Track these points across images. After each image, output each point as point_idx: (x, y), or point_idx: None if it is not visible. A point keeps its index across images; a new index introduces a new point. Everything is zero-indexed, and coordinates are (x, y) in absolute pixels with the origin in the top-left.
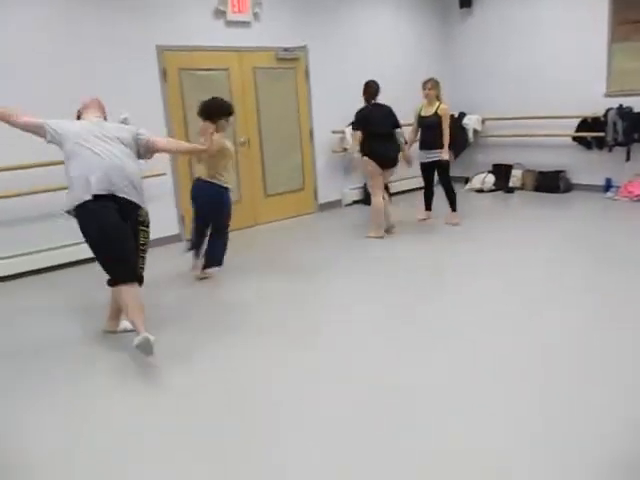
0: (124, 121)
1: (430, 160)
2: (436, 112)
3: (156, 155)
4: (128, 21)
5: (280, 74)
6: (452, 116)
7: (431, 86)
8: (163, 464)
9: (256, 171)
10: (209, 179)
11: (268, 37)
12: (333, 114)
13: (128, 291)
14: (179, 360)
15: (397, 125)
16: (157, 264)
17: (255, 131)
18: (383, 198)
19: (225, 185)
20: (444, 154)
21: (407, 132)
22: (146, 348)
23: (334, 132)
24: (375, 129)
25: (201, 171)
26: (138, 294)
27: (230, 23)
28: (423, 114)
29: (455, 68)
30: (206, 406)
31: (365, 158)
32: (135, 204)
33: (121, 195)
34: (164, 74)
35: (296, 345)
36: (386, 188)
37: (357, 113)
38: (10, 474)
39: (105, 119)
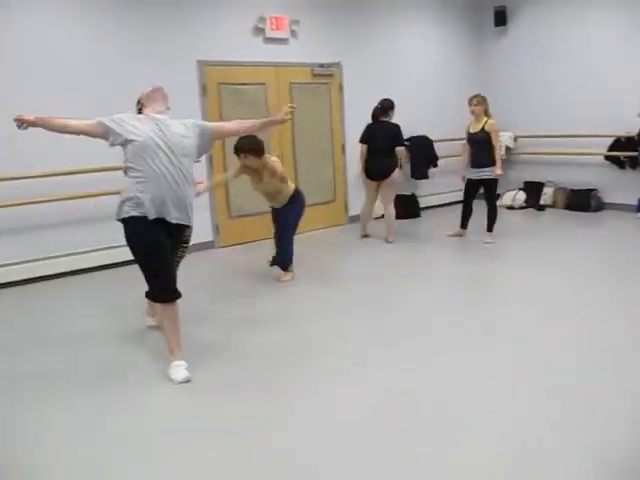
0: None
1: (478, 177)
2: (483, 128)
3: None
4: (171, 37)
5: (315, 89)
6: None
7: (477, 102)
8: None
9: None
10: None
11: (304, 53)
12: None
13: (165, 310)
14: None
15: (397, 144)
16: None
17: (289, 145)
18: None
19: (292, 193)
20: (496, 170)
21: (442, 149)
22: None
23: None
24: (373, 145)
25: (272, 202)
26: (175, 315)
27: (268, 40)
28: (471, 131)
29: (488, 85)
30: (232, 404)
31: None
32: (184, 225)
33: (174, 222)
34: (204, 88)
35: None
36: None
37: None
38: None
39: (168, 108)
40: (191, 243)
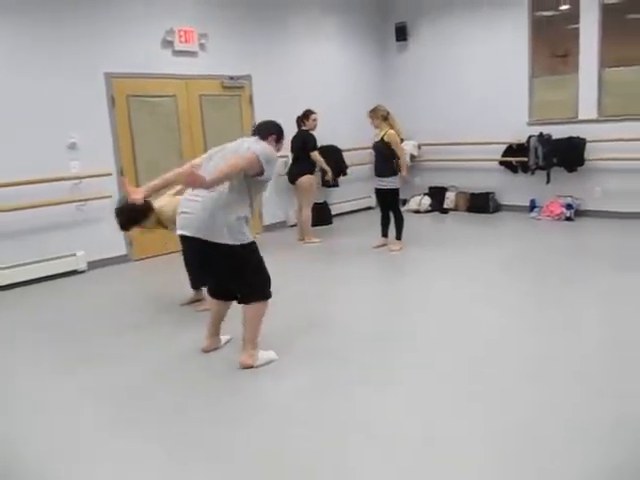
0: (72, 146)
1: (378, 187)
2: (382, 138)
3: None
4: (77, 50)
5: (225, 101)
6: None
7: (370, 115)
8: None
9: None
10: None
11: (214, 66)
12: None
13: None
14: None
15: (308, 149)
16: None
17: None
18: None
19: None
20: (402, 173)
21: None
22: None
23: (278, 157)
24: (293, 152)
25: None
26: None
27: (177, 52)
28: (375, 140)
29: (393, 96)
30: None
31: None
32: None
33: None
34: (113, 101)
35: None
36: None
37: None
38: None
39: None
40: (102, 257)
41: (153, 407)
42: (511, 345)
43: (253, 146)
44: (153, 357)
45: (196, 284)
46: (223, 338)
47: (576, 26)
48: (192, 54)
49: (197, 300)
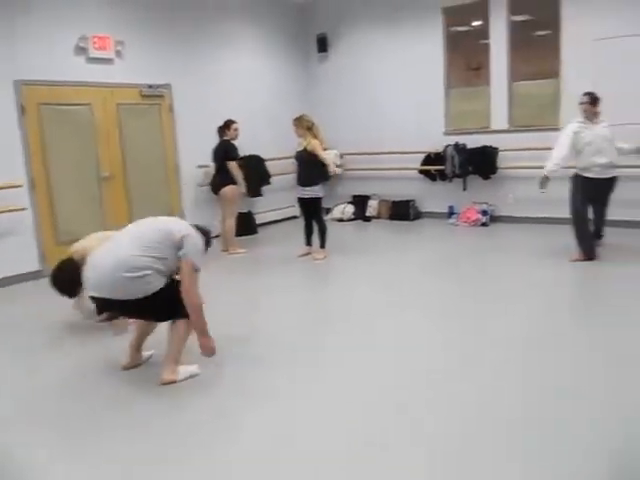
0: None
1: (301, 196)
2: (305, 148)
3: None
4: None
5: (144, 110)
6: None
7: (294, 124)
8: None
9: (121, 206)
10: None
11: (132, 74)
12: (198, 149)
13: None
14: None
15: (226, 159)
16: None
17: (119, 166)
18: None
19: None
20: (320, 189)
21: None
22: None
23: (199, 167)
24: (214, 162)
25: None
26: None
27: (92, 59)
28: (297, 149)
29: (315, 106)
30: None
31: None
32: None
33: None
34: (23, 109)
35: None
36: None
37: None
38: None
39: None
40: (13, 273)
41: (71, 426)
42: (436, 346)
43: (190, 250)
44: (70, 376)
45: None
46: (145, 354)
47: (487, 41)
48: (108, 61)
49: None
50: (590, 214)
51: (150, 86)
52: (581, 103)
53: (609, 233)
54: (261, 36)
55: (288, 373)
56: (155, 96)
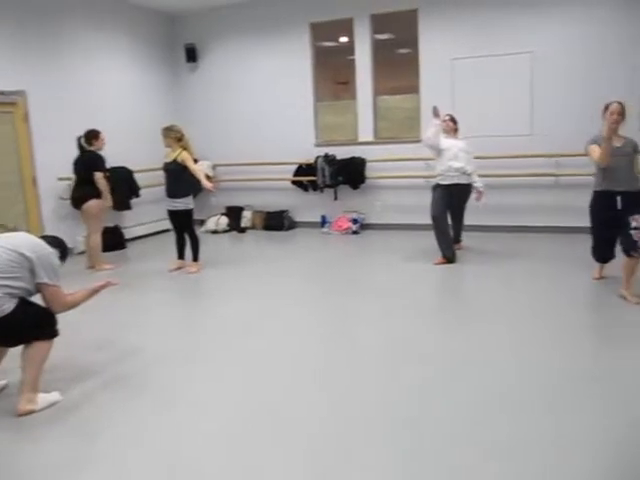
0: None
1: (171, 208)
2: (175, 159)
3: None
4: None
5: None
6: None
7: (164, 133)
8: None
9: None
10: None
11: None
12: (60, 161)
13: None
14: None
15: (92, 170)
16: None
17: None
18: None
19: None
20: (206, 185)
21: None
22: None
23: (60, 179)
24: (76, 174)
25: None
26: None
27: None
28: (166, 161)
29: (185, 116)
30: None
31: None
32: None
33: None
34: None
35: None
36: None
37: None
38: None
39: None
40: None
41: None
42: (312, 349)
43: (47, 273)
44: None
45: None
46: None
47: (353, 57)
48: None
49: None
50: (449, 220)
51: (2, 93)
52: (443, 121)
53: (466, 237)
54: (130, 45)
55: (159, 395)
56: (7, 103)
